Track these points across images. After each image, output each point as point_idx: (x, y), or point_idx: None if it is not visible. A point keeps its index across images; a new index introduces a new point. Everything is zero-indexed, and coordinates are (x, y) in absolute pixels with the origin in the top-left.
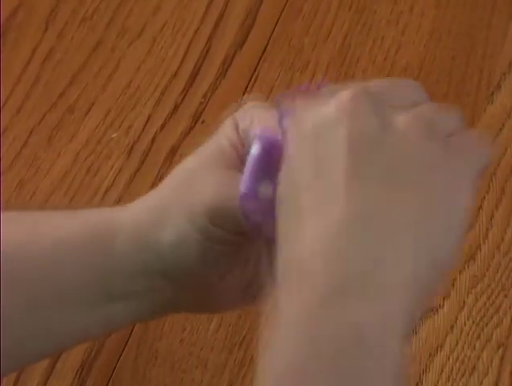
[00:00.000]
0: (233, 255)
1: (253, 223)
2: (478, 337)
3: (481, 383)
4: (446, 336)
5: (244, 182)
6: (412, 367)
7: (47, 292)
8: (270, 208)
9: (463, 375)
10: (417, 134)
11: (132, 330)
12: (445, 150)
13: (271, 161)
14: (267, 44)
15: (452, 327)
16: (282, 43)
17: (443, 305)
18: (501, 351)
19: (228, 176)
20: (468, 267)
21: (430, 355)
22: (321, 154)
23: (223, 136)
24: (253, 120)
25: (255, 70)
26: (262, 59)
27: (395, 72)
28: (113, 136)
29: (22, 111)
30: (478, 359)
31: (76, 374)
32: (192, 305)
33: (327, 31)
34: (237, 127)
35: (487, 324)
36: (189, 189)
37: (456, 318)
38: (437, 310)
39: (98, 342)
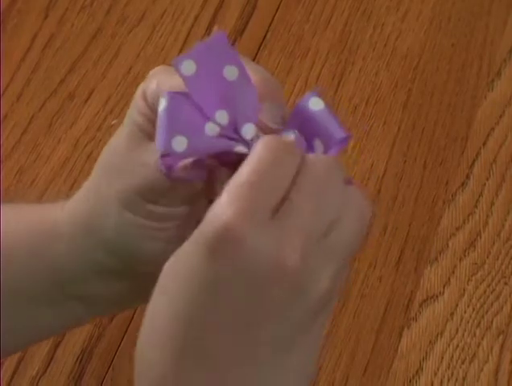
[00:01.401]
0: (178, 229)
1: (176, 179)
2: (478, 324)
3: (481, 370)
4: (446, 323)
5: (157, 140)
6: (412, 355)
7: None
8: (190, 163)
9: (463, 363)
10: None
11: (133, 317)
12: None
13: (180, 116)
14: (267, 32)
15: (452, 315)
16: (282, 31)
17: (444, 292)
18: (501, 338)
19: (148, 149)
20: (468, 254)
21: (430, 342)
22: None
23: (135, 110)
24: (158, 83)
25: (255, 57)
26: (262, 46)
27: (395, 59)
28: (113, 122)
29: (22, 98)
30: (478, 347)
31: (77, 360)
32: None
33: (327, 19)
34: (145, 97)
35: (487, 311)
36: (117, 171)
37: (457, 306)
38: (437, 297)
39: (99, 328)
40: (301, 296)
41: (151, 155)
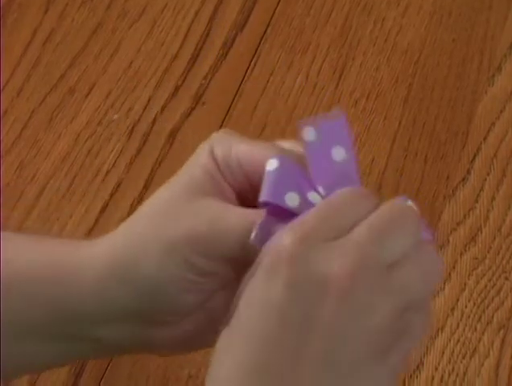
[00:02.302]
0: (216, 283)
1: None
2: (479, 319)
3: (482, 365)
4: (447, 318)
5: (267, 195)
6: (413, 349)
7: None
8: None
9: (464, 357)
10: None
11: None
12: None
13: (292, 177)
14: (268, 26)
15: (452, 309)
16: (282, 25)
17: (444, 287)
18: (502, 333)
19: (205, 204)
20: (469, 249)
21: (431, 337)
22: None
23: (196, 164)
24: (232, 145)
25: (256, 52)
26: (263, 41)
27: (396, 54)
28: (114, 118)
29: (23, 93)
30: (479, 341)
31: None
32: (169, 344)
33: (327, 13)
34: (212, 153)
35: (488, 306)
36: (166, 220)
37: (457, 300)
38: (438, 292)
39: None
40: (354, 321)
41: (207, 208)
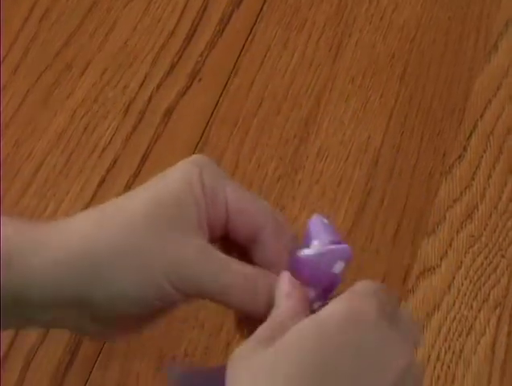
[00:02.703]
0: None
1: None
2: (475, 297)
3: (479, 343)
4: (443, 296)
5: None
6: None
7: None
8: None
9: (460, 335)
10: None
11: None
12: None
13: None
14: (264, 3)
15: (449, 287)
16: (278, 3)
17: (441, 264)
18: (498, 310)
19: (189, 242)
20: (465, 227)
21: (427, 314)
22: None
23: (187, 191)
24: (221, 179)
25: (252, 29)
26: (259, 18)
27: (392, 32)
28: (110, 95)
29: (19, 70)
30: (475, 319)
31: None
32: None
33: None
34: (201, 181)
35: (484, 284)
36: (151, 245)
37: (454, 278)
38: (434, 269)
39: None
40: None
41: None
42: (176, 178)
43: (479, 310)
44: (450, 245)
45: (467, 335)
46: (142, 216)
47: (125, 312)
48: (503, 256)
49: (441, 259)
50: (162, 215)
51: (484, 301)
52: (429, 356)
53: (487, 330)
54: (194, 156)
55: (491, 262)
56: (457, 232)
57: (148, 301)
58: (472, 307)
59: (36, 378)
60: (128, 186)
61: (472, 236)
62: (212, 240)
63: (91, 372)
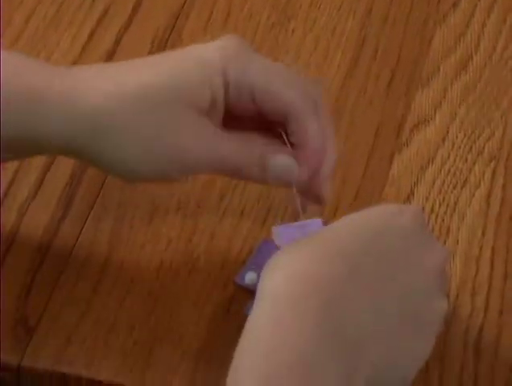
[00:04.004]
0: None
1: None
2: (470, 149)
3: (473, 195)
4: (437, 149)
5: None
6: (403, 180)
7: None
8: None
9: (454, 188)
10: None
11: None
12: None
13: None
14: None
15: (443, 140)
16: None
17: (435, 116)
18: (493, 163)
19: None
20: (459, 78)
21: (421, 167)
22: None
23: (207, 82)
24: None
25: None
26: None
27: None
28: None
29: None
30: (470, 172)
31: (66, 185)
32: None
33: None
34: (224, 76)
35: (479, 136)
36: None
37: (448, 131)
38: (428, 121)
39: None
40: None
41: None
42: (196, 72)
43: (474, 163)
44: (444, 97)
45: (461, 188)
46: (159, 101)
47: (125, 177)
48: (498, 108)
49: (435, 111)
50: (176, 99)
51: (478, 154)
52: (423, 209)
53: (482, 183)
54: (226, 39)
55: (485, 114)
56: (451, 83)
57: (145, 176)
58: (466, 160)
59: (30, 228)
60: (119, 38)
61: (467, 88)
62: (244, 122)
63: (85, 223)
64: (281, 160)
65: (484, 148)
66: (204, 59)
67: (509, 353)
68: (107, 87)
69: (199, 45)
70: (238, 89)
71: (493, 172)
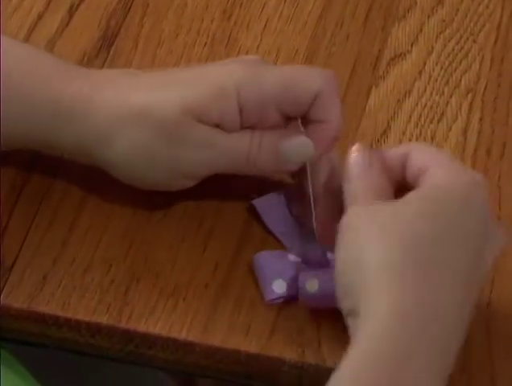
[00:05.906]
0: None
1: None
2: (447, 83)
3: (450, 129)
4: (414, 82)
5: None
6: (380, 114)
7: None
8: None
9: (431, 122)
10: None
11: None
12: None
13: None
14: None
15: (420, 73)
16: None
17: (411, 50)
18: (470, 96)
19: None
20: (436, 12)
21: (398, 101)
22: None
23: (223, 108)
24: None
25: None
26: None
27: None
28: None
29: None
30: (447, 105)
31: None
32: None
33: None
34: (238, 98)
35: (456, 70)
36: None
37: (425, 64)
38: (405, 55)
39: None
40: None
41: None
42: (209, 98)
43: (450, 96)
44: (421, 31)
45: (438, 121)
46: (174, 117)
47: (134, 185)
48: (474, 42)
49: (412, 45)
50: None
51: (455, 87)
52: (400, 142)
53: (459, 116)
54: (238, 61)
55: (462, 48)
56: (428, 16)
57: (153, 185)
58: (443, 93)
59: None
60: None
61: (444, 21)
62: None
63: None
64: (296, 140)
65: (461, 81)
66: (217, 86)
67: None
68: (119, 103)
69: (213, 67)
70: (258, 107)
71: (470, 105)
